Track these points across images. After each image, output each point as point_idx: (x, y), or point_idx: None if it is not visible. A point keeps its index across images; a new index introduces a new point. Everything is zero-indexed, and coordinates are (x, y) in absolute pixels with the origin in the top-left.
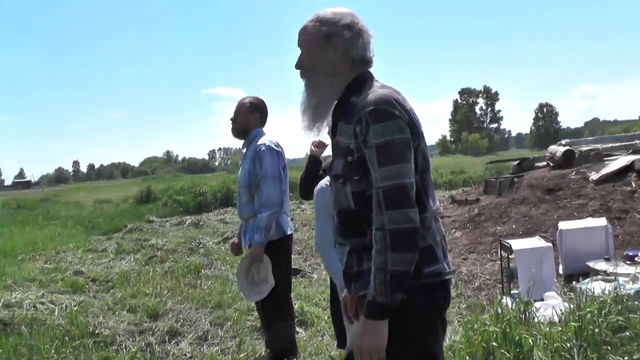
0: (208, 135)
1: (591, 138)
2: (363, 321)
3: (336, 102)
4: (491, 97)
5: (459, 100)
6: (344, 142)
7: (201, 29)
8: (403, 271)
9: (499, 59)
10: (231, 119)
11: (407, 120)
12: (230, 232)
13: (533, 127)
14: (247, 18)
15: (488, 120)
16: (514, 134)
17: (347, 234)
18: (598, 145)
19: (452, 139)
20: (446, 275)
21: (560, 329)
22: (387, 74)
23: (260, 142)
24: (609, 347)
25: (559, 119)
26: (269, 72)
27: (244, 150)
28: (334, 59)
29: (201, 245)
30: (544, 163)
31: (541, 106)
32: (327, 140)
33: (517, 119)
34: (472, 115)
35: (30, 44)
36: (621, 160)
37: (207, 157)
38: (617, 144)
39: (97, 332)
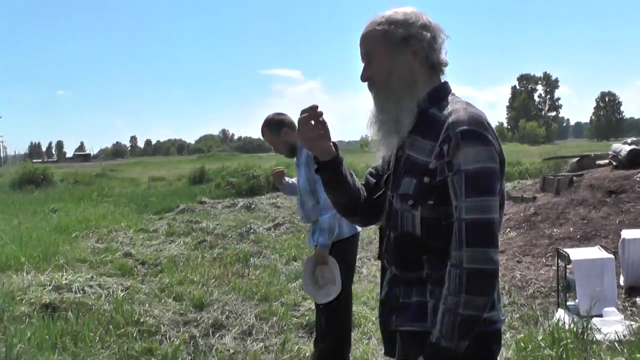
0: (264, 116)
1: None
2: None
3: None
4: (551, 84)
5: (517, 87)
6: (420, 159)
7: (262, 10)
8: (475, 316)
9: (560, 44)
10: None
11: (498, 148)
12: (281, 217)
13: (593, 117)
14: (307, 0)
15: (546, 108)
16: (572, 122)
17: (402, 263)
18: None
19: (508, 126)
20: (501, 323)
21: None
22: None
23: None
24: None
25: (621, 108)
26: (326, 56)
27: (295, 159)
28: (414, 65)
29: (252, 230)
30: (606, 161)
31: (603, 95)
32: None
33: (576, 107)
34: (530, 102)
35: (95, 19)
36: None
37: (262, 137)
38: None
39: (142, 320)
